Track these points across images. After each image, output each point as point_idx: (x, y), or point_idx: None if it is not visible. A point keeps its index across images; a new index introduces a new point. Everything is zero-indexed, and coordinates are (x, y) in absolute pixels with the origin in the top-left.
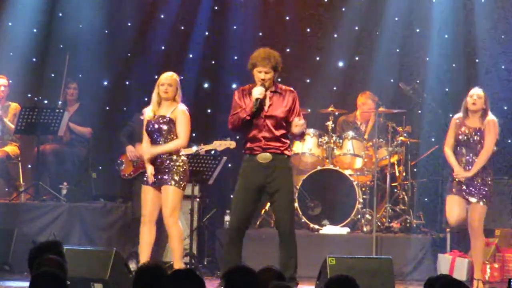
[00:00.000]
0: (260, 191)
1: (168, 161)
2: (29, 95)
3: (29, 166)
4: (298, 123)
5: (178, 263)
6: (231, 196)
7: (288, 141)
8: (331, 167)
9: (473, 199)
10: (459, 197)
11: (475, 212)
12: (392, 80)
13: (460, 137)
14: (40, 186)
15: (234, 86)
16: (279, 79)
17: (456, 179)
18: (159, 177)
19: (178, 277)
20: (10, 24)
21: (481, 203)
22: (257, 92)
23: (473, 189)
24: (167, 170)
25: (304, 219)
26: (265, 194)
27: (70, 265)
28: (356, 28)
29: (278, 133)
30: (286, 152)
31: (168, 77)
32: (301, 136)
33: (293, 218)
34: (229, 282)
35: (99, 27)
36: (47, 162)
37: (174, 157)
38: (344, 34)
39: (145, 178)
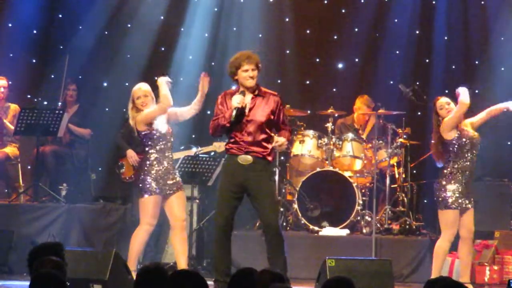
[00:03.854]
0: (241, 189)
1: (173, 168)
2: (29, 96)
3: (29, 167)
4: (278, 143)
5: (185, 265)
6: None
7: (270, 146)
8: (331, 168)
9: (470, 205)
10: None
11: (471, 216)
12: (392, 82)
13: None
14: (39, 187)
15: (233, 88)
16: (279, 81)
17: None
18: (170, 182)
19: (181, 277)
20: (10, 25)
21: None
22: (236, 100)
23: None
24: (175, 175)
25: (303, 221)
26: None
27: (70, 266)
28: (356, 30)
29: (259, 137)
30: (267, 157)
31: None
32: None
33: (278, 217)
34: (234, 285)
35: (98, 28)
36: (46, 163)
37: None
38: (344, 35)
39: (155, 188)
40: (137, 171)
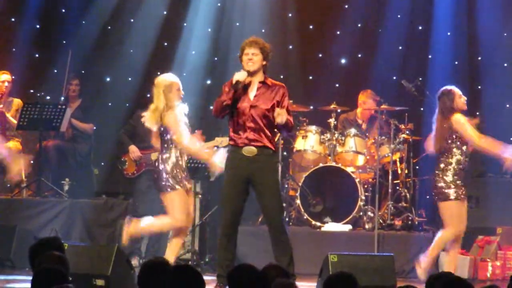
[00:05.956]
0: (247, 182)
1: None
2: (32, 91)
3: (31, 162)
4: (279, 111)
5: None
6: None
7: (274, 134)
8: (333, 164)
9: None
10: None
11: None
12: (394, 78)
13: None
14: (42, 182)
15: None
16: (281, 76)
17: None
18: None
19: (178, 272)
20: (13, 19)
21: None
22: (238, 75)
23: None
24: None
25: (306, 216)
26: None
27: (72, 261)
28: (359, 25)
29: (263, 124)
30: (271, 145)
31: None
32: (287, 129)
33: (283, 211)
34: (232, 281)
35: (101, 23)
36: (49, 158)
37: None
38: (346, 31)
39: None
40: (139, 167)
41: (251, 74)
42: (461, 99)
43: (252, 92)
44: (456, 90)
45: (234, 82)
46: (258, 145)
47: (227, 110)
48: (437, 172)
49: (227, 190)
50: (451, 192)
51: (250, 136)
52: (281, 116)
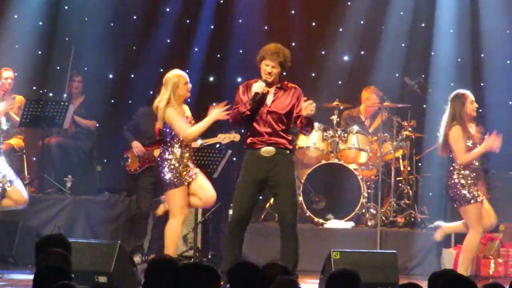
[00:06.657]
0: (262, 184)
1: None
2: (34, 88)
3: (34, 159)
4: (307, 103)
5: None
6: None
7: (290, 136)
8: (336, 161)
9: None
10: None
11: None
12: (397, 75)
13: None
14: (44, 179)
15: (239, 79)
16: (284, 73)
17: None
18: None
19: (193, 269)
20: (16, 16)
21: None
22: (257, 86)
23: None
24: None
25: (308, 213)
26: (267, 188)
27: (74, 258)
28: (362, 22)
29: (280, 128)
30: (288, 146)
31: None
32: (309, 125)
33: (296, 211)
34: (232, 279)
35: (104, 20)
36: (51, 155)
37: None
38: (349, 28)
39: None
40: (142, 163)
41: (268, 84)
42: (472, 105)
43: (269, 97)
44: (469, 95)
45: (253, 94)
46: (276, 147)
47: (246, 119)
48: (447, 174)
49: (242, 191)
50: (465, 194)
51: (267, 140)
52: (310, 108)
